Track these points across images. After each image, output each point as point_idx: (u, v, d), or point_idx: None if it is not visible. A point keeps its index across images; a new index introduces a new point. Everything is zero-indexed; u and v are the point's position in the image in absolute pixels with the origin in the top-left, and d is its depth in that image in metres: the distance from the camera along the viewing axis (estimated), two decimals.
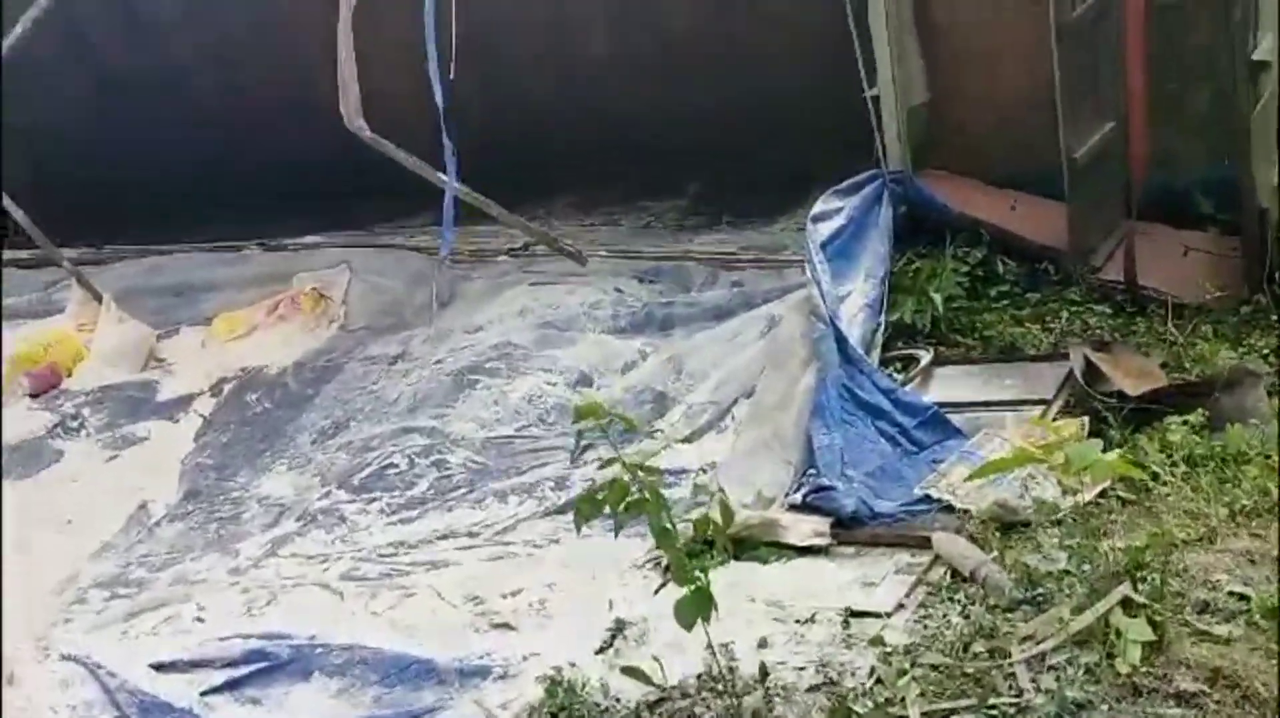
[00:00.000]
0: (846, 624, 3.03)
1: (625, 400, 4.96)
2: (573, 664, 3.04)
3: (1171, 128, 4.91)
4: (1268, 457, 3.48)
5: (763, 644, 3.00)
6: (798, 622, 3.05)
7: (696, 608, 2.40)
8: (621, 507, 2.40)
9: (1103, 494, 3.44)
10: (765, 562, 3.44)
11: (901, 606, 3.07)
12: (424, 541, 3.98)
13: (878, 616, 3.03)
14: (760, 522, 3.55)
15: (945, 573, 3.18)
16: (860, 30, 5.38)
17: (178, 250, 7.24)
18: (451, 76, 5.53)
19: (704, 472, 4.27)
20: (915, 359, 4.75)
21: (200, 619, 3.61)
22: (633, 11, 6.96)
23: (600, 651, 3.10)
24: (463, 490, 4.32)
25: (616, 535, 2.65)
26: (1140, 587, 2.79)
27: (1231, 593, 2.91)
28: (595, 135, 7.08)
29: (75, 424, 5.41)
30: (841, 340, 4.40)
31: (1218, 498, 3.29)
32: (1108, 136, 5.08)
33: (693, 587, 2.39)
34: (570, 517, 3.93)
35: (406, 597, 3.52)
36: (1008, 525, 3.36)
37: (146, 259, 7.28)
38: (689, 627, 2.45)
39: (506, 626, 3.29)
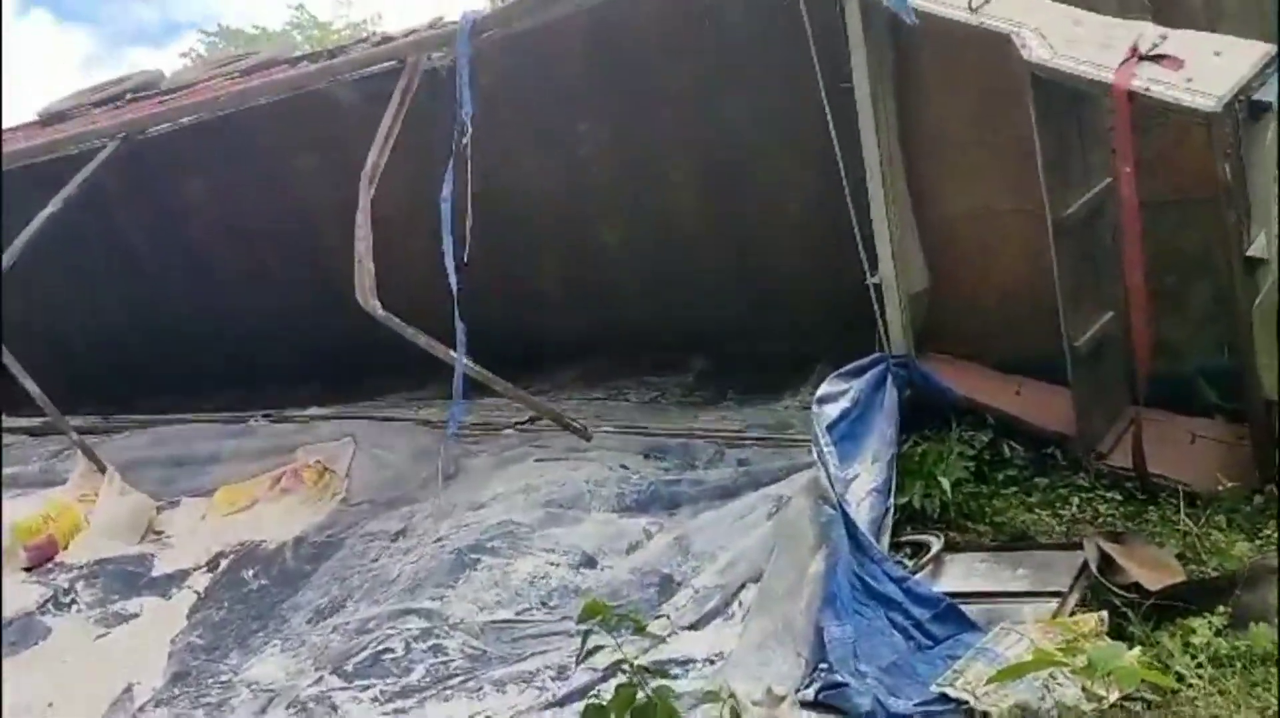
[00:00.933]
0: None
1: (630, 582, 4.87)
2: None
3: (1174, 319, 4.99)
4: None
5: None
6: None
7: None
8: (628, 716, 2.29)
9: (1127, 697, 3.31)
10: None
11: None
12: None
13: None
14: None
15: None
16: (861, 220, 5.57)
17: (183, 421, 7.29)
18: (465, 259, 5.68)
19: (711, 662, 4.14)
20: (925, 546, 4.67)
21: None
22: (642, 201, 7.23)
23: None
24: (460, 678, 4.18)
25: None
26: None
27: None
28: (601, 313, 7.25)
29: (67, 599, 5.31)
30: (851, 526, 4.34)
31: (1247, 703, 3.16)
32: (1108, 326, 5.16)
33: None
34: (571, 709, 3.84)
35: None
36: None
37: (151, 429, 7.32)
38: None
39: None
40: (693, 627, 4.42)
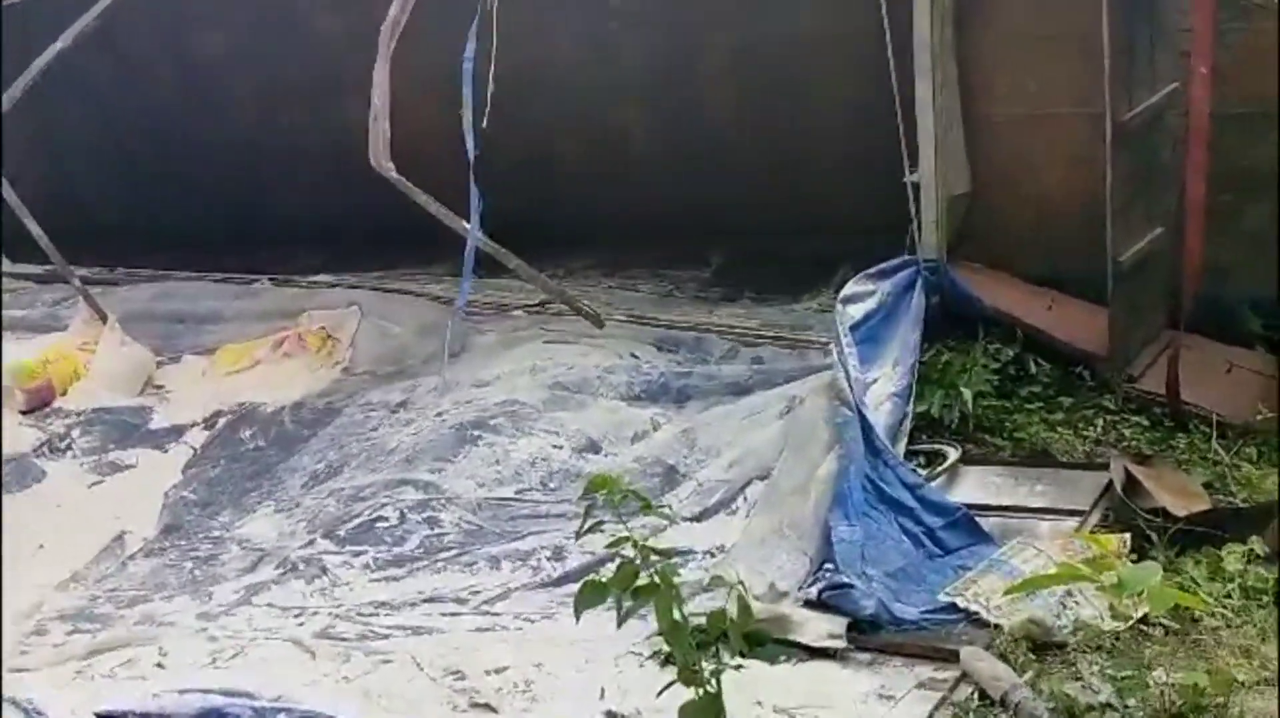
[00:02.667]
0: None
1: (633, 471, 4.72)
2: None
3: (1224, 241, 4.73)
4: None
5: None
6: None
7: (704, 716, 2.14)
8: (629, 594, 2.16)
9: (1144, 621, 3.18)
10: (773, 661, 3.17)
11: None
12: (408, 602, 3.72)
13: None
14: (771, 617, 3.29)
15: (973, 693, 2.91)
16: (905, 115, 5.28)
17: (188, 278, 7.12)
18: (484, 126, 5.42)
19: (712, 554, 4.04)
20: (942, 455, 4.51)
21: (161, 666, 3.35)
22: (673, 85, 6.92)
23: None
24: (454, 552, 4.08)
25: (620, 625, 2.40)
26: None
27: None
28: (622, 201, 7.00)
29: (63, 445, 5.20)
30: (867, 429, 4.19)
31: (1275, 637, 3.02)
32: (1155, 243, 4.92)
33: (701, 691, 2.14)
34: (565, 591, 3.75)
35: (383, 663, 3.25)
36: (1041, 646, 3.10)
37: (157, 284, 7.16)
38: None
39: (487, 706, 3.02)
40: (695, 519, 4.31)
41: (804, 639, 3.24)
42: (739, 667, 2.55)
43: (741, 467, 4.54)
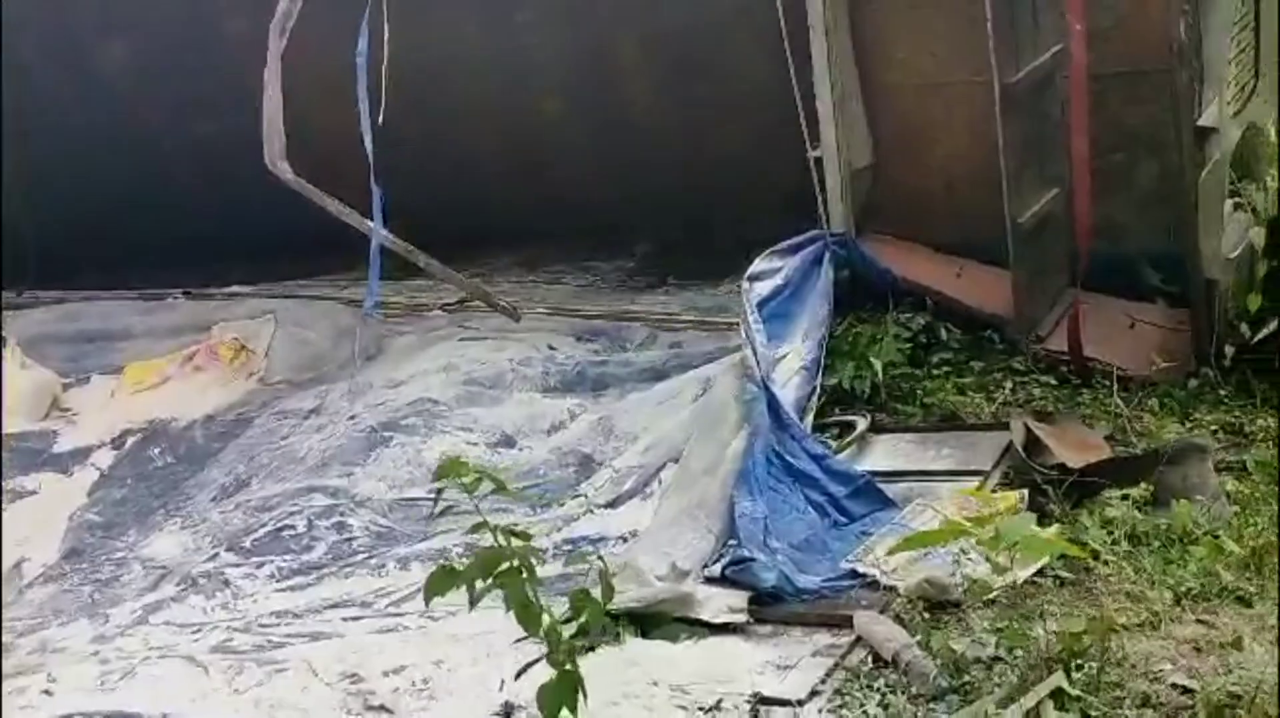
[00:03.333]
0: (755, 713, 2.74)
1: (548, 462, 4.72)
2: None
3: (1119, 198, 4.79)
4: (1215, 536, 3.26)
5: None
6: (702, 709, 2.76)
7: (560, 696, 2.11)
8: (485, 580, 2.11)
9: (1040, 573, 3.20)
10: (676, 640, 3.15)
11: (816, 692, 2.79)
12: (311, 610, 3.65)
13: (789, 703, 2.74)
14: (674, 596, 3.27)
15: (866, 656, 2.91)
16: (804, 91, 5.28)
17: (99, 298, 6.96)
18: (380, 122, 5.34)
19: (624, 539, 4.01)
20: (852, 426, 4.53)
21: (48, 693, 3.25)
22: (584, 71, 6.86)
23: None
24: (362, 556, 4.02)
25: (471, 608, 2.35)
26: (1075, 677, 2.53)
27: (1175, 686, 2.66)
28: (541, 194, 6.94)
29: None
30: (774, 403, 4.18)
31: (1162, 581, 3.06)
32: (1052, 204, 4.96)
33: (558, 671, 2.10)
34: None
35: (277, 672, 3.18)
36: (937, 605, 3.11)
37: (64, 305, 7.00)
38: (552, 717, 2.16)
39: (382, 708, 2.96)
40: (610, 505, 4.30)
41: (705, 616, 3.22)
42: (609, 642, 2.51)
43: (656, 451, 4.54)
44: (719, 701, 2.79)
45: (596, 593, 2.41)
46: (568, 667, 2.12)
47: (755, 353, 4.44)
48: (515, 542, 2.24)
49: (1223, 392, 4.56)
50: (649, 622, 3.25)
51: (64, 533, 4.54)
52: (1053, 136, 4.85)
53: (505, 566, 2.18)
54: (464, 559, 3.96)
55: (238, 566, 3.96)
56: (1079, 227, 4.43)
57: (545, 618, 2.19)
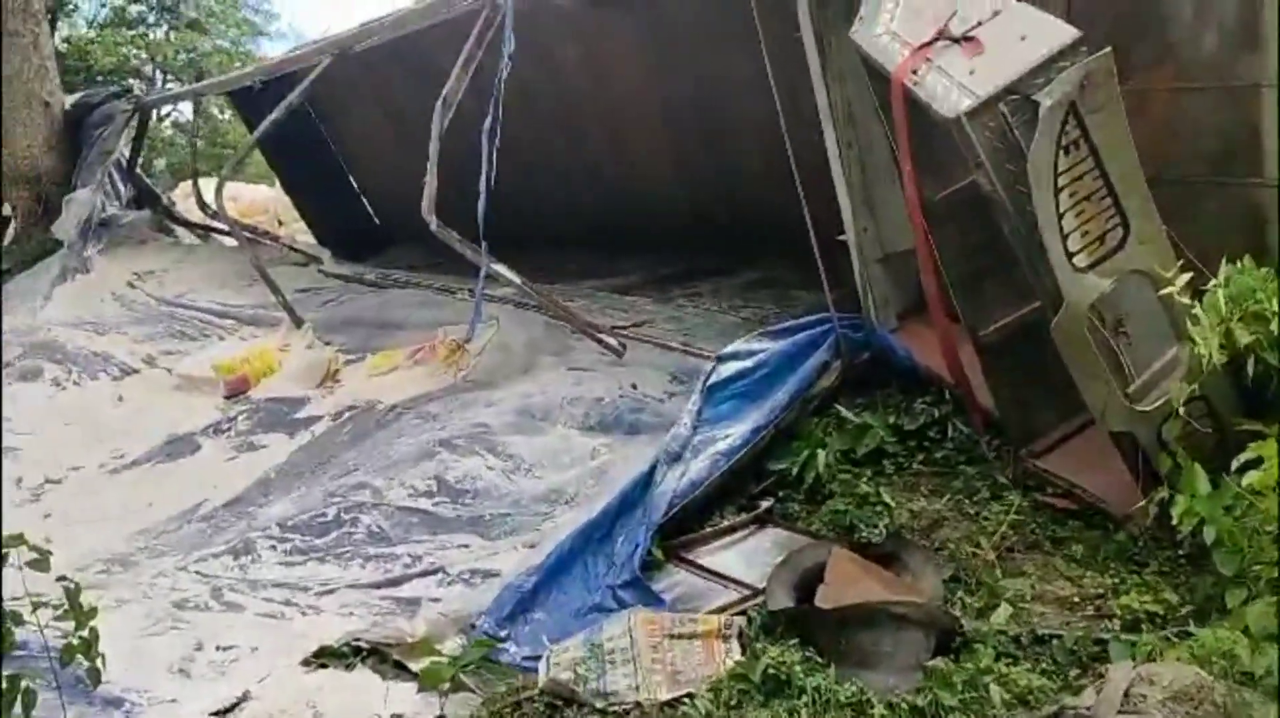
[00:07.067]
0: None
1: (537, 495, 5.56)
2: None
3: None
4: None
5: None
6: None
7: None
8: None
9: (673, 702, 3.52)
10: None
11: None
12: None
13: None
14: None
15: None
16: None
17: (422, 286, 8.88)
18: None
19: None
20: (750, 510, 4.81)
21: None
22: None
23: None
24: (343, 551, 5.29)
25: None
26: None
27: None
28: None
29: (226, 427, 7.16)
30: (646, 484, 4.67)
31: None
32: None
33: None
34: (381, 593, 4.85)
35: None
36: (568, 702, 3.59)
37: (386, 292, 9.12)
38: None
39: None
40: (531, 544, 5.07)
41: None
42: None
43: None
44: None
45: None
46: None
47: (671, 434, 4.89)
48: None
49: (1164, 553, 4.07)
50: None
51: (242, 489, 6.33)
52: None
53: None
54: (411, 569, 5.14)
55: (265, 537, 5.43)
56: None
57: None
